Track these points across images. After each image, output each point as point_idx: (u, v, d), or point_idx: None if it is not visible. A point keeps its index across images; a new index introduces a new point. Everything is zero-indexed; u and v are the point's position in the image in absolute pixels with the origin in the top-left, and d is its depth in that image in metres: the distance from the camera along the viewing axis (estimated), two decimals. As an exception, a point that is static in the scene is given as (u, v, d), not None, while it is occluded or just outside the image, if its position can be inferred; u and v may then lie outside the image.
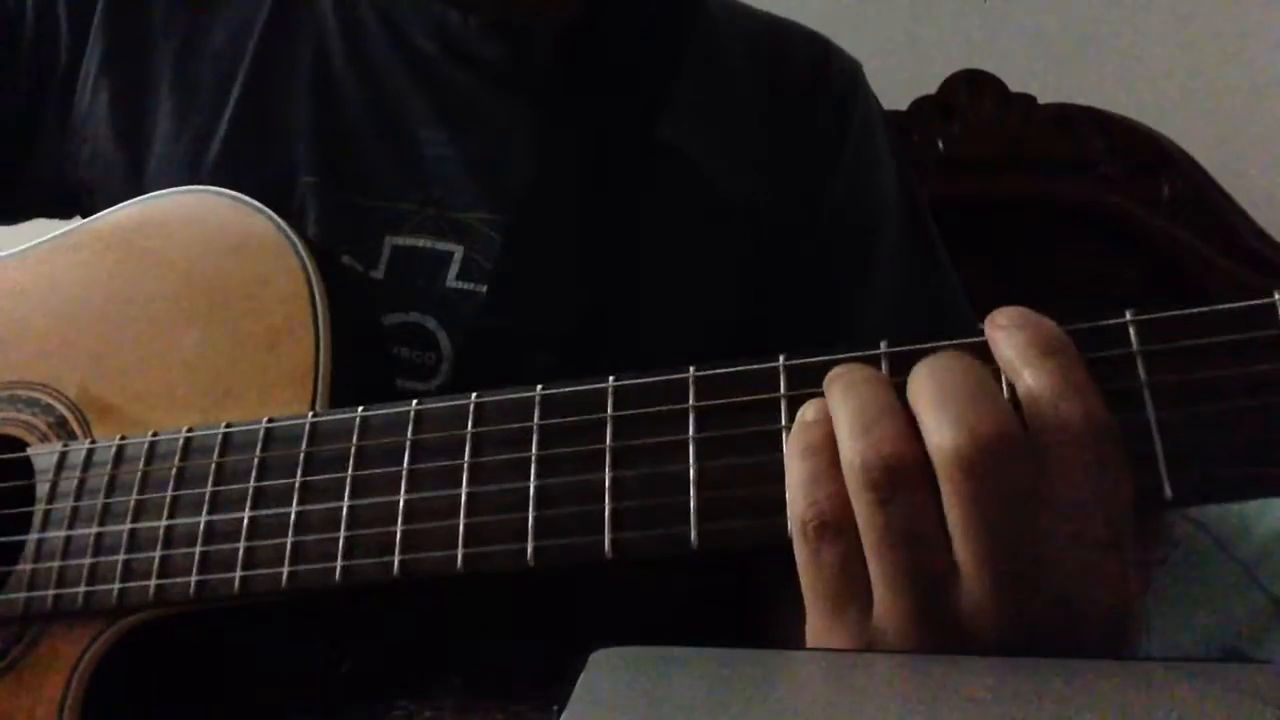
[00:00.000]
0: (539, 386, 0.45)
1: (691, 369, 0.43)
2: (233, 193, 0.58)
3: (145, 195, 0.61)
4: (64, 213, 0.73)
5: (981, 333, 0.39)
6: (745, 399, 0.41)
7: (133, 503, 0.51)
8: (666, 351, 0.44)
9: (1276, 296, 0.36)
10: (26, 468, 0.56)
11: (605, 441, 0.43)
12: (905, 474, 0.36)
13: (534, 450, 0.44)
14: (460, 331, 0.63)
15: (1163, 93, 1.14)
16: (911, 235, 0.74)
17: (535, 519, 0.43)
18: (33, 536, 0.53)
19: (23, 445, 0.57)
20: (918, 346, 0.40)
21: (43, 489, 0.54)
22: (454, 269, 0.65)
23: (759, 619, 0.62)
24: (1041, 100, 1.08)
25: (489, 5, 0.68)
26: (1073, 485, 0.35)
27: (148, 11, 0.72)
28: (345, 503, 0.47)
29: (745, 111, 0.72)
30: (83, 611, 0.51)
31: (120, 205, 0.61)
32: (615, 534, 0.42)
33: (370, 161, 0.67)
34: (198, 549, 0.49)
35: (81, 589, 0.51)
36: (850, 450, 0.36)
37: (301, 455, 0.48)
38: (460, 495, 0.45)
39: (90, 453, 0.54)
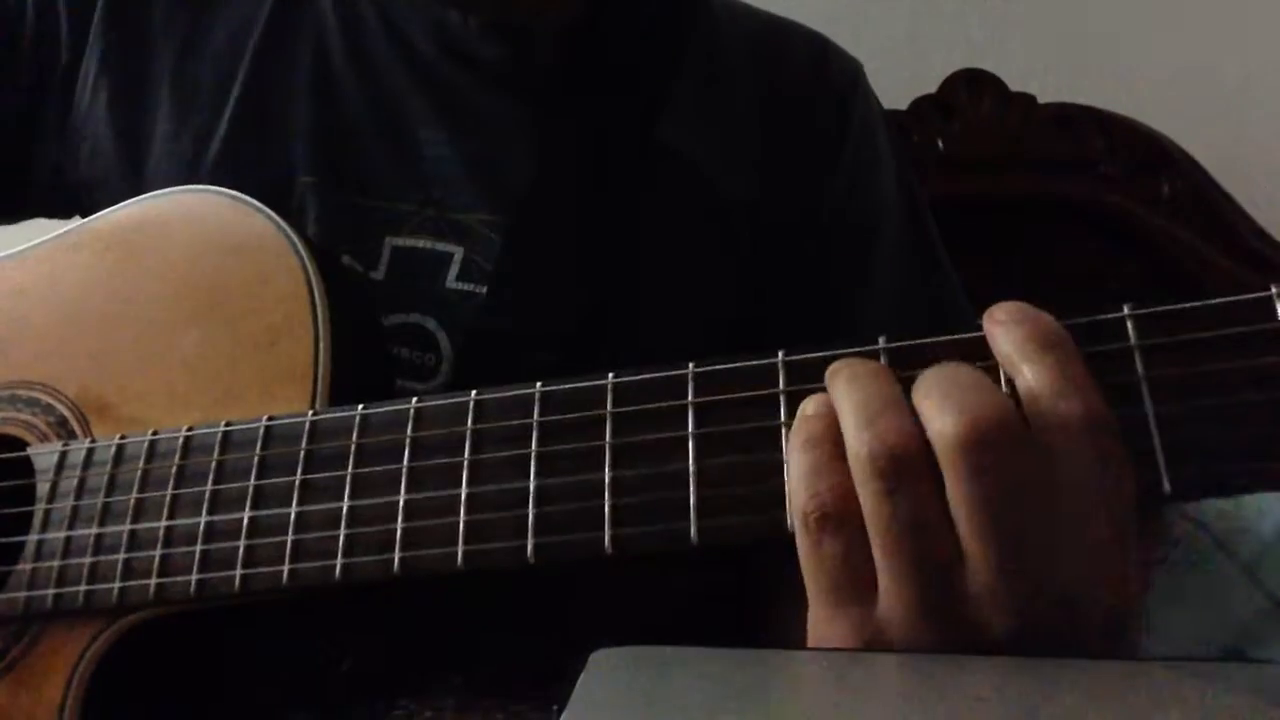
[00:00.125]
0: (538, 383, 0.45)
1: (691, 365, 0.43)
2: (233, 192, 0.58)
3: (145, 195, 0.61)
4: (64, 212, 0.73)
5: (981, 330, 0.39)
6: (744, 395, 0.42)
7: (133, 502, 0.51)
8: (666, 352, 0.44)
9: (1274, 290, 0.36)
10: (27, 467, 0.56)
11: (605, 438, 0.43)
12: (910, 464, 0.36)
13: (534, 447, 0.44)
14: (460, 332, 0.63)
15: (1163, 93, 1.14)
16: (911, 235, 0.74)
17: (535, 516, 0.43)
18: (33, 536, 0.54)
19: (23, 445, 0.57)
20: (916, 342, 0.40)
21: (43, 488, 0.54)
22: (454, 270, 0.65)
23: (759, 614, 0.62)
24: (1041, 100, 1.08)
25: (488, 6, 0.68)
26: (1074, 481, 0.35)
27: (148, 11, 0.72)
28: (345, 501, 0.47)
29: (745, 111, 0.72)
30: (83, 610, 0.51)
31: (120, 205, 0.61)
32: (615, 530, 0.42)
33: (370, 162, 0.67)
34: (198, 547, 0.49)
35: (82, 588, 0.51)
36: (856, 441, 0.37)
37: (301, 453, 0.48)
38: (460, 493, 0.45)
39: (90, 452, 0.54)
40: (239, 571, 0.48)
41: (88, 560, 0.51)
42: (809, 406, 0.39)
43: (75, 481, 0.53)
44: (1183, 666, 0.34)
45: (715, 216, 0.69)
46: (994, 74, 1.09)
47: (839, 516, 0.37)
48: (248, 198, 0.57)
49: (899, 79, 1.05)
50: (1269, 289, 0.36)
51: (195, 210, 0.59)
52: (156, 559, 0.50)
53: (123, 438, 0.53)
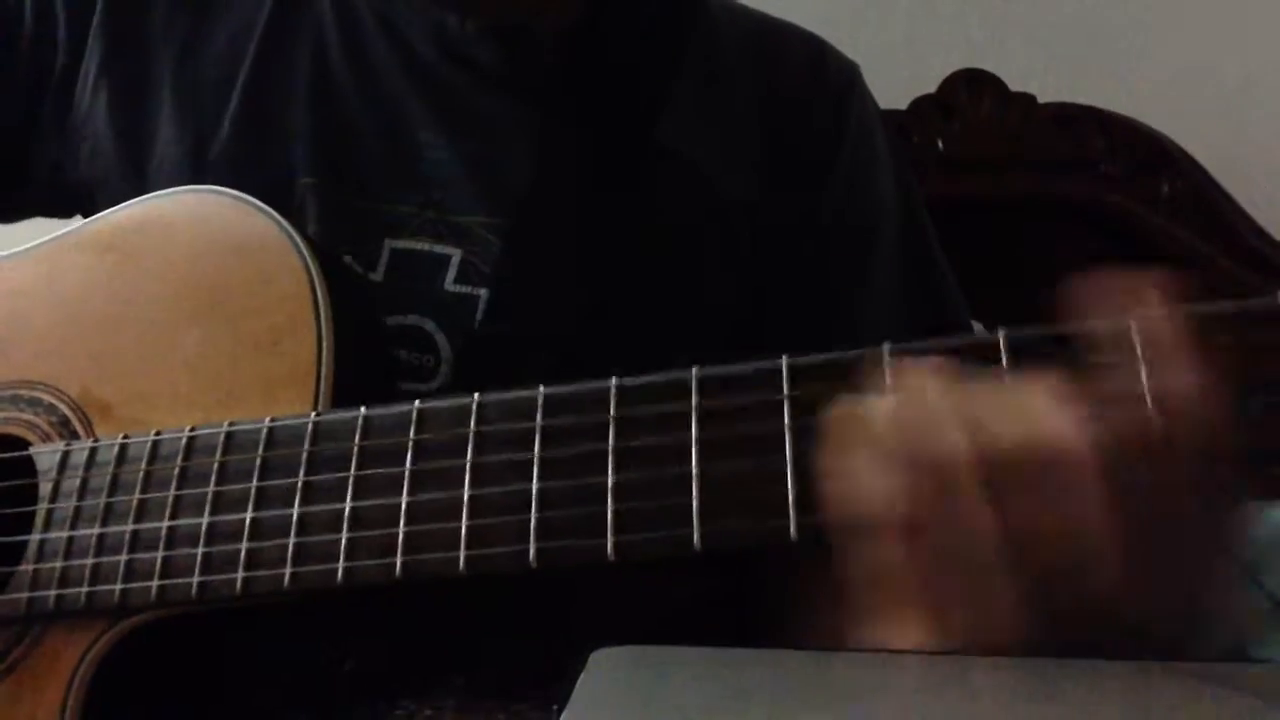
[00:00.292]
0: (541, 386, 0.45)
1: (694, 369, 0.43)
2: (234, 192, 0.58)
3: (146, 195, 0.61)
4: (64, 213, 0.73)
5: (978, 332, 0.39)
6: (747, 400, 0.41)
7: (135, 502, 0.51)
8: (665, 353, 0.44)
9: None
10: (29, 467, 0.56)
11: (608, 443, 0.43)
12: (1021, 470, 0.35)
13: (536, 451, 0.44)
14: (459, 334, 0.63)
15: (1163, 93, 1.14)
16: (909, 236, 0.74)
17: (538, 521, 0.43)
18: (35, 536, 0.54)
19: (25, 445, 0.57)
20: (919, 345, 0.40)
21: (45, 489, 0.54)
22: (452, 272, 0.65)
23: (759, 619, 0.62)
24: (1041, 100, 1.08)
25: (486, 8, 0.68)
26: (1194, 483, 0.35)
27: (147, 14, 0.72)
28: (347, 503, 0.47)
29: (744, 111, 0.72)
30: (85, 612, 0.51)
31: (121, 205, 0.61)
32: (617, 536, 0.42)
33: (369, 164, 0.67)
34: (200, 549, 0.49)
35: (84, 589, 0.51)
36: (954, 445, 0.36)
37: (304, 455, 0.49)
38: (462, 496, 0.45)
39: (93, 452, 0.54)
40: (241, 574, 0.48)
41: (90, 561, 0.51)
42: (877, 409, 0.38)
43: (78, 482, 0.53)
44: (1183, 667, 0.34)
45: (715, 217, 0.69)
46: (994, 74, 1.09)
47: (918, 523, 0.37)
48: (250, 198, 0.57)
49: (898, 79, 1.05)
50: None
51: (197, 210, 0.59)
52: (159, 560, 0.50)
53: (126, 438, 0.53)
